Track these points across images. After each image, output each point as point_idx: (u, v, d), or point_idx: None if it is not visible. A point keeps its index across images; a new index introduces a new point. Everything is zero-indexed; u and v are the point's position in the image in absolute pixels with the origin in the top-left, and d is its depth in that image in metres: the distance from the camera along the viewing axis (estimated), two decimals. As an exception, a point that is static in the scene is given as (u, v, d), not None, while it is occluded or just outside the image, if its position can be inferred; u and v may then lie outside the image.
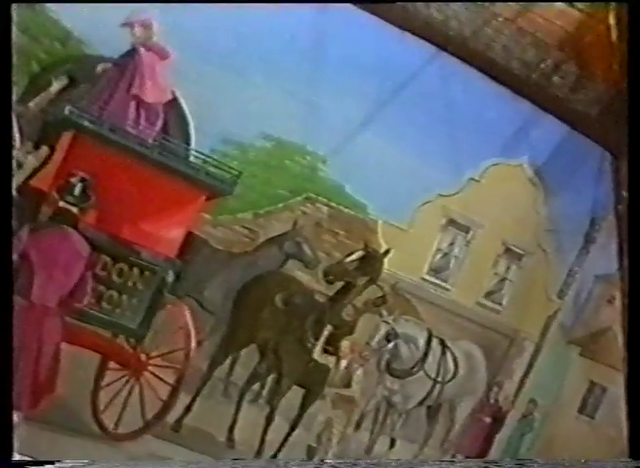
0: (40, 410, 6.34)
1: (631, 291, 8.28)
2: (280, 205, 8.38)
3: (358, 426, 8.19)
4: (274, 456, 7.51)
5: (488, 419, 8.91)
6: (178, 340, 7.14)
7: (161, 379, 7.06)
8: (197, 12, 7.42)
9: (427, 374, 8.39)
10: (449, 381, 8.51)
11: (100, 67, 7.19)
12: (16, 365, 6.20)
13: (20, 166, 6.87)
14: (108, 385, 7.17)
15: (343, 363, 7.61)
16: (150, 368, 7.14)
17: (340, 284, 7.70)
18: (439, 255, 8.91)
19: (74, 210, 6.59)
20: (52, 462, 6.55)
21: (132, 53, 7.22)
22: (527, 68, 8.74)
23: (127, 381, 7.14)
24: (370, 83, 8.20)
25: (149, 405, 7.04)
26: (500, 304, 9.08)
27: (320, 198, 8.46)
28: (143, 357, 7.16)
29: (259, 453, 7.48)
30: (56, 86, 7.07)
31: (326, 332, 7.59)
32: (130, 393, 7.11)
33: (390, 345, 8.14)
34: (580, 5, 8.58)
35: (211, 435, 7.55)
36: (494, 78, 8.62)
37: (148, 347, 7.18)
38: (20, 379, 6.20)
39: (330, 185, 8.48)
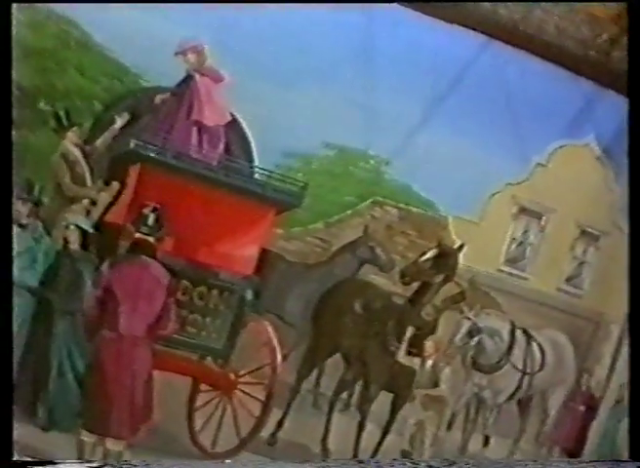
0: (140, 437, 6.63)
1: None
2: (349, 211, 8.53)
3: (450, 426, 8.26)
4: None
5: (581, 408, 8.89)
6: (263, 356, 7.34)
7: (252, 396, 7.27)
8: (244, 32, 7.63)
9: (515, 367, 8.39)
10: (537, 372, 8.50)
11: (158, 98, 7.45)
12: (111, 396, 6.51)
13: (93, 203, 7.19)
14: (202, 407, 7.39)
15: (429, 363, 7.70)
16: (240, 386, 7.36)
17: (416, 284, 7.80)
18: (514, 245, 8.94)
19: (150, 239, 6.82)
20: (52, 462, 6.73)
21: (187, 80, 7.45)
22: (583, 46, 8.71)
23: (219, 401, 7.36)
24: (424, 80, 8.28)
25: (243, 422, 7.25)
26: (582, 288, 9.06)
27: (388, 200, 8.58)
28: (232, 376, 7.38)
29: (354, 462, 7.65)
30: (119, 122, 7.35)
31: (408, 334, 7.68)
32: (223, 412, 7.32)
33: (474, 341, 8.16)
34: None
35: (305, 446, 7.73)
36: (550, 60, 8.62)
37: (236, 366, 7.38)
38: (118, 409, 6.48)
39: (396, 187, 8.59)
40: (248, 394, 7.30)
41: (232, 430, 7.25)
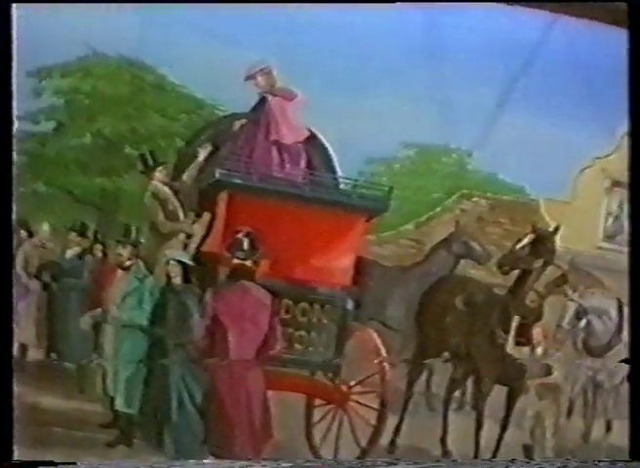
0: (263, 457, 6.92)
1: None
2: (438, 209, 8.60)
3: (570, 414, 8.21)
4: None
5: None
6: (371, 365, 7.52)
7: (366, 406, 7.45)
8: (306, 47, 7.77)
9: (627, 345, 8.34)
10: (651, 347, 8.45)
11: (236, 124, 7.68)
12: (231, 420, 6.80)
13: (189, 236, 7.48)
14: (319, 422, 7.60)
15: (539, 351, 7.71)
16: (353, 396, 7.55)
17: (516, 273, 7.83)
18: (610, 220, 8.85)
19: (248, 263, 7.09)
20: (52, 463, 6.96)
21: (261, 102, 7.68)
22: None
23: (335, 414, 7.57)
24: (495, 65, 8.26)
25: (361, 432, 7.45)
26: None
27: (475, 192, 8.61)
28: (344, 388, 7.57)
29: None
30: (202, 154, 7.61)
31: (514, 324, 7.70)
32: (340, 425, 7.53)
33: (582, 323, 8.12)
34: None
35: (425, 450, 7.80)
36: (622, 27, 8.52)
37: (346, 377, 7.56)
38: (240, 432, 6.79)
39: (482, 177, 8.62)
40: (362, 404, 7.48)
41: (352, 441, 7.45)
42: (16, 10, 7.12)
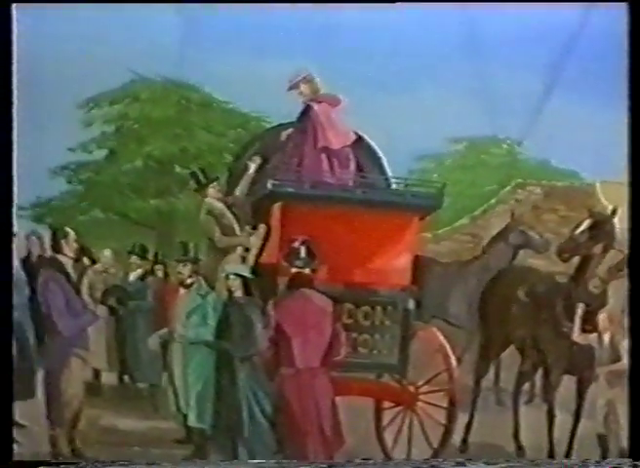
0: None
1: None
2: (492, 201, 8.62)
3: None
4: (567, 454, 7.65)
5: None
6: (438, 363, 7.56)
7: (435, 405, 7.51)
8: (346, 50, 7.86)
9: (697, 325, 8.27)
10: None
11: (283, 135, 7.81)
12: (302, 428, 6.90)
13: (247, 250, 7.64)
14: (389, 424, 7.70)
15: (606, 337, 7.61)
16: (422, 397, 7.63)
17: (577, 259, 7.77)
18: (669, 198, 8.77)
19: (306, 271, 7.16)
20: (53, 463, 7.11)
21: (306, 111, 7.78)
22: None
23: (404, 416, 7.64)
24: (537, 52, 8.22)
25: (432, 432, 7.51)
26: None
27: (529, 181, 8.62)
28: (412, 388, 7.65)
29: (551, 455, 7.67)
30: (252, 167, 7.76)
31: (579, 312, 7.64)
32: (411, 426, 7.60)
33: (648, 306, 8.10)
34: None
35: (498, 446, 7.78)
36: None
37: (412, 378, 7.63)
38: (311, 441, 6.88)
39: (534, 165, 8.61)
40: (431, 403, 7.54)
41: (423, 441, 7.52)
42: (59, 45, 7.34)
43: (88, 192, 7.96)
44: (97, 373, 7.75)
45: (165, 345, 7.52)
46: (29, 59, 7.31)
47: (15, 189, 7.47)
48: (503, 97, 8.17)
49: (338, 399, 7.06)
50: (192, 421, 7.34)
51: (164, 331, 7.52)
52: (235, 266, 7.46)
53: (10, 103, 7.30)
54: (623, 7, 8.22)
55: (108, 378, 7.81)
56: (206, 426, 7.28)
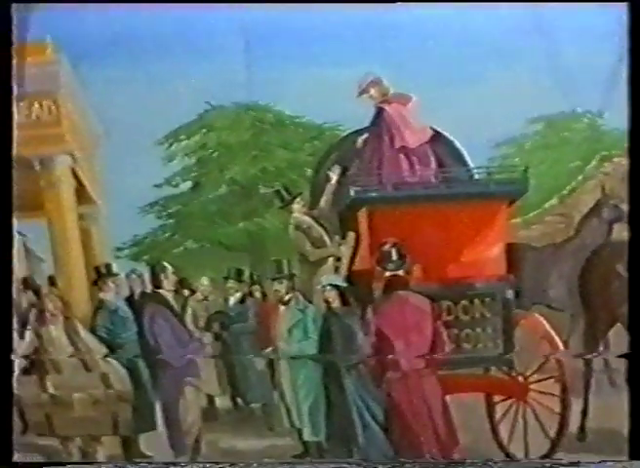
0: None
1: None
2: (579, 177, 8.51)
3: None
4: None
5: None
6: (544, 350, 7.56)
7: (548, 393, 7.51)
8: (410, 47, 7.90)
9: None
10: None
11: (359, 141, 7.92)
12: (415, 432, 7.04)
13: (338, 259, 7.80)
14: (502, 418, 7.70)
15: None
16: (532, 386, 7.62)
17: (675, 227, 7.77)
18: None
19: (400, 273, 7.31)
20: (52, 463, 7.25)
21: (379, 113, 7.88)
22: None
23: (517, 408, 7.64)
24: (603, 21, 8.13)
25: (548, 422, 7.48)
26: None
27: (614, 152, 8.50)
28: (521, 379, 7.65)
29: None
30: (333, 177, 7.89)
31: (684, 280, 7.62)
32: (525, 418, 7.60)
33: None
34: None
35: (616, 432, 7.61)
36: None
37: (520, 368, 7.65)
38: (426, 443, 7.03)
39: (618, 135, 8.45)
40: (543, 392, 7.53)
41: (540, 433, 7.51)
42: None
43: (178, 225, 8.23)
44: (210, 399, 7.98)
45: (271, 364, 7.74)
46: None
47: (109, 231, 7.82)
48: (577, 71, 8.08)
49: (448, 398, 7.17)
50: (307, 435, 7.53)
51: (269, 349, 7.74)
52: (329, 277, 7.61)
53: (9, 100, 7.43)
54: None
55: (222, 402, 8.02)
56: (321, 439, 7.48)
